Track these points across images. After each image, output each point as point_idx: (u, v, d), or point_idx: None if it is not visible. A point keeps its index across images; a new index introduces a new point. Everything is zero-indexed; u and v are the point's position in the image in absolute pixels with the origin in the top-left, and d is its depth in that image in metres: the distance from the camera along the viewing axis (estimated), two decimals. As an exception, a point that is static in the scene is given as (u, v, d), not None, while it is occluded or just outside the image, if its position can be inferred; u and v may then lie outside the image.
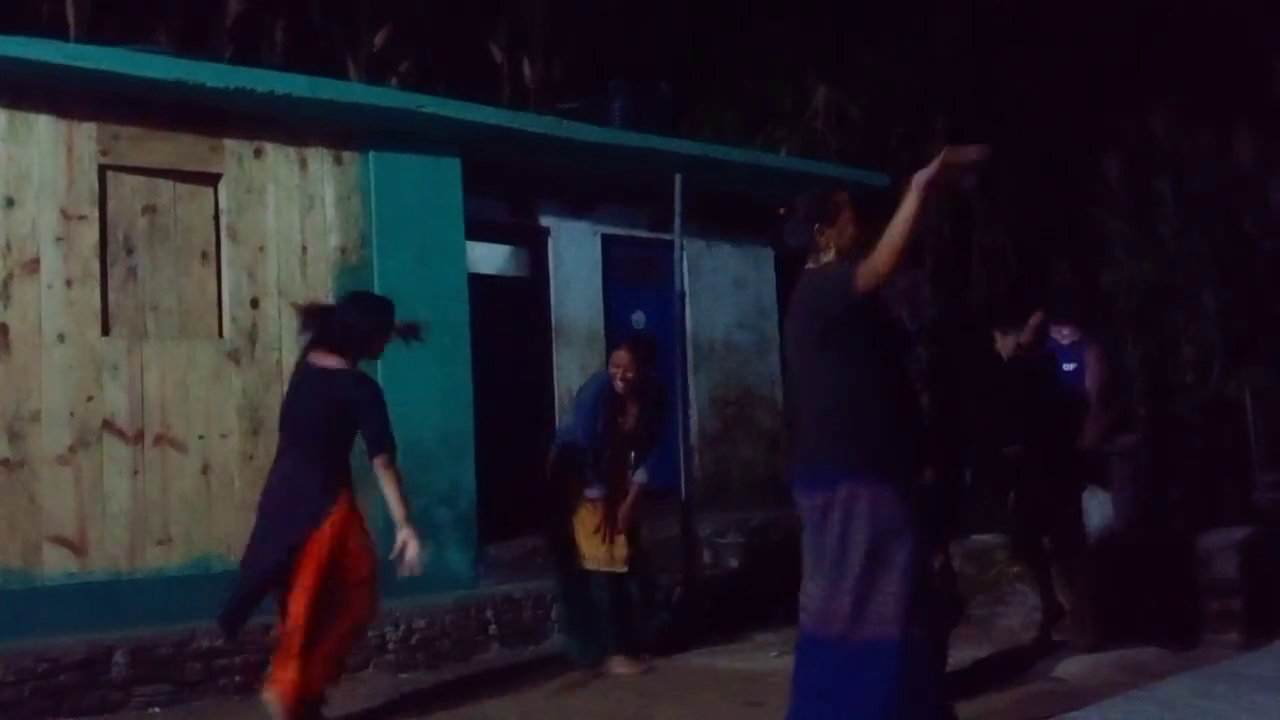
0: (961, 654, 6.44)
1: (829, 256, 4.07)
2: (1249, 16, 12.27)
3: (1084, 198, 13.24)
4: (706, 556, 8.15)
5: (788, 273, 10.36)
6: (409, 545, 5.05)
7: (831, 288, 3.91)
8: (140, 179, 6.61)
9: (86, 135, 6.42)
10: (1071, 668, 5.98)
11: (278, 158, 6.97)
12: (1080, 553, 6.53)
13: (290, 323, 6.90)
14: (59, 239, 6.30)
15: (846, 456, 3.84)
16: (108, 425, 6.33)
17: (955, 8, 13.97)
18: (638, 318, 9.43)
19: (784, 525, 6.68)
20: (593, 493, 6.26)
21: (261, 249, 6.88)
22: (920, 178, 3.62)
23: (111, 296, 6.46)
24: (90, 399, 6.30)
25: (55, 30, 9.85)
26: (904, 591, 3.73)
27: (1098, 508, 6.77)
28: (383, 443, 5.09)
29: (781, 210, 4.28)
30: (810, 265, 4.13)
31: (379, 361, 7.08)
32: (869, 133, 13.59)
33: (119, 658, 5.80)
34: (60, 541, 6.15)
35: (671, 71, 13.10)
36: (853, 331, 3.88)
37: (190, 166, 6.74)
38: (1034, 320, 6.45)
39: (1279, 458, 9.41)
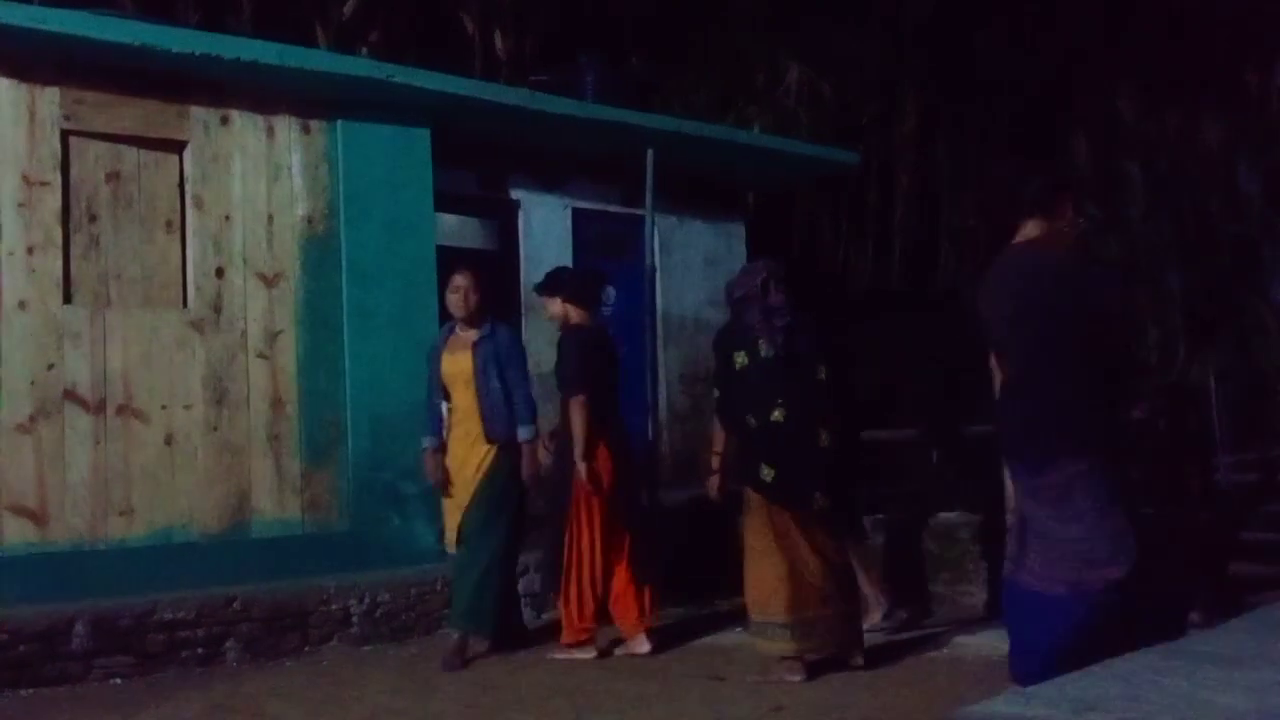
0: (925, 630, 6.50)
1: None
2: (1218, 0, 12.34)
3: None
4: (672, 532, 8.16)
5: (758, 250, 10.37)
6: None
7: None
8: (104, 145, 6.53)
9: (49, 100, 6.32)
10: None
11: (244, 126, 6.90)
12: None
13: (255, 292, 6.85)
14: (20, 205, 6.21)
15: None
16: (69, 394, 6.26)
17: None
18: (608, 293, 9.40)
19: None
20: (426, 442, 6.21)
21: (227, 218, 6.81)
22: None
23: (74, 264, 6.37)
24: (51, 367, 6.23)
25: (18, -7, 9.68)
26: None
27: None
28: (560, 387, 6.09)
29: None
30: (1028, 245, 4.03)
31: (346, 334, 7.07)
32: (840, 111, 13.60)
33: (80, 629, 5.76)
34: (20, 511, 6.09)
35: (643, 47, 13.05)
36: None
37: (155, 133, 6.65)
38: None
39: (1242, 440, 9.52)
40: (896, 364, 9.59)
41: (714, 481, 5.76)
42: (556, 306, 6.34)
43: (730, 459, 5.60)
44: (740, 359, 5.40)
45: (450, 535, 6.15)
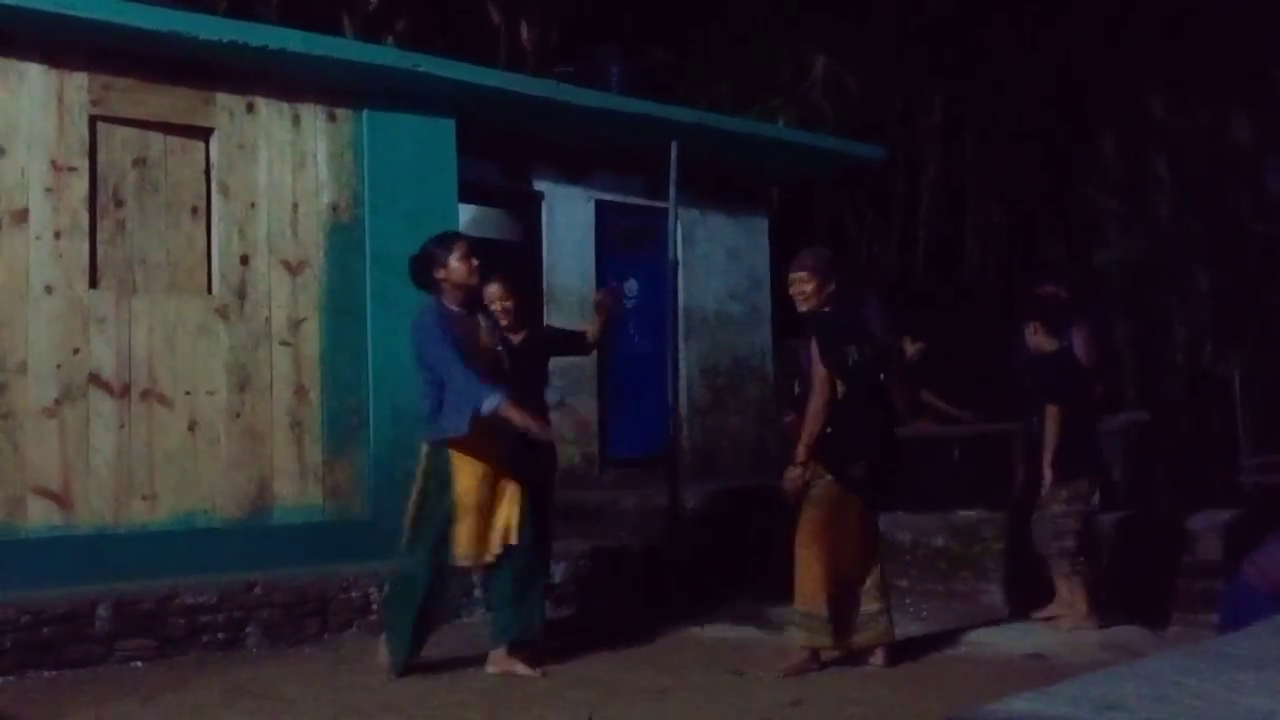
0: (945, 627, 6.48)
1: None
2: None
3: (1079, 175, 13.23)
4: (693, 526, 8.16)
5: (781, 244, 10.35)
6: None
7: None
8: (131, 131, 6.55)
9: (78, 86, 6.35)
10: (1053, 644, 6.01)
11: (271, 113, 6.91)
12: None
13: (280, 279, 6.87)
14: (48, 190, 6.25)
15: None
16: (94, 379, 6.30)
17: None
18: (630, 285, 9.41)
19: (771, 496, 6.65)
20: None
21: (252, 205, 6.83)
22: None
23: (100, 249, 6.41)
24: (77, 352, 6.26)
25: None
26: None
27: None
28: None
29: None
30: None
31: (369, 323, 7.09)
32: (866, 105, 13.55)
33: (102, 612, 5.80)
34: (45, 494, 6.13)
35: (669, 38, 13.03)
36: None
37: (182, 120, 6.67)
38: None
39: (1266, 440, 9.45)
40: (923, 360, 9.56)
41: (797, 474, 5.41)
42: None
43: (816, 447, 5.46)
44: (853, 353, 5.43)
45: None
